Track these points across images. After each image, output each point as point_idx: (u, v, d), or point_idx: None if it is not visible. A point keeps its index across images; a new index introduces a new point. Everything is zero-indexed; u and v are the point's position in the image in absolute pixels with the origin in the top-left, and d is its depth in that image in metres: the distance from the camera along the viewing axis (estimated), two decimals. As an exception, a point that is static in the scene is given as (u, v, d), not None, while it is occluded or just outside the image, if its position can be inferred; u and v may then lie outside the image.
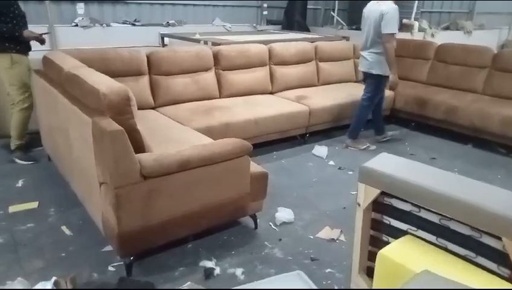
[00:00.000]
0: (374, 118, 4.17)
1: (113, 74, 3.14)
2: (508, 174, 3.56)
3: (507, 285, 1.39)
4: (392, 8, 3.55)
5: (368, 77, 3.91)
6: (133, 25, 6.00)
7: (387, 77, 3.78)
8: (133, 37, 5.68)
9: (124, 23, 6.00)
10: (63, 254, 2.24)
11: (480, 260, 1.53)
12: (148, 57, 3.57)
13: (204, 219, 2.27)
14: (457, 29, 8.30)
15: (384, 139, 4.21)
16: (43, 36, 3.38)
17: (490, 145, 4.11)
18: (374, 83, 3.85)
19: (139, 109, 3.34)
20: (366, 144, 4.02)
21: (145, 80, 3.52)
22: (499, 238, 1.44)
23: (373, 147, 4.00)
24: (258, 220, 2.52)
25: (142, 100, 3.43)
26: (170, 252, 2.26)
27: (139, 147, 2.07)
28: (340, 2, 7.65)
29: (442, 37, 6.70)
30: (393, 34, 3.59)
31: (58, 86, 2.58)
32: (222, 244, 2.36)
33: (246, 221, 2.56)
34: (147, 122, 3.03)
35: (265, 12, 7.46)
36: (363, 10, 3.85)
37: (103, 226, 2.10)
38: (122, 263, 2.10)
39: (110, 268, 2.14)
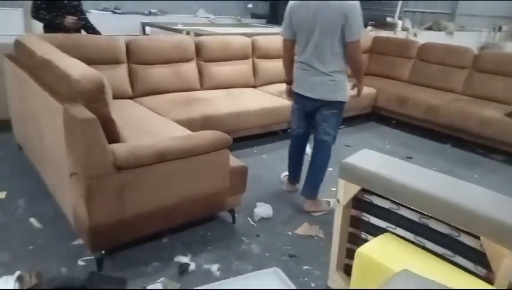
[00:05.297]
0: (298, 158, 2.98)
1: (89, 61, 2.95)
2: (485, 173, 3.61)
3: (483, 284, 1.38)
4: (356, 4, 2.42)
5: (325, 106, 2.63)
6: (114, 12, 5.83)
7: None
8: (113, 24, 5.49)
9: (104, 10, 5.82)
10: (31, 247, 2.14)
11: (458, 259, 1.52)
12: (127, 45, 3.45)
13: (181, 213, 2.20)
14: (440, 30, 8.43)
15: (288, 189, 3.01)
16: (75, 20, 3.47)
17: (468, 145, 4.16)
18: (338, 113, 2.69)
19: (116, 98, 3.24)
20: (328, 203, 2.79)
21: (123, 69, 3.40)
22: (477, 238, 1.43)
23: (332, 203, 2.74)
24: (236, 215, 2.47)
25: (120, 89, 3.32)
26: (144, 247, 2.18)
27: (113, 137, 1.98)
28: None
29: (425, 37, 6.77)
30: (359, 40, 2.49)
31: (30, 71, 2.46)
32: (198, 240, 2.30)
33: (224, 216, 2.51)
34: (124, 112, 2.92)
35: (249, 6, 7.38)
36: (291, 4, 2.59)
37: (74, 218, 2.00)
38: (93, 257, 2.01)
39: (80, 263, 2.05)
